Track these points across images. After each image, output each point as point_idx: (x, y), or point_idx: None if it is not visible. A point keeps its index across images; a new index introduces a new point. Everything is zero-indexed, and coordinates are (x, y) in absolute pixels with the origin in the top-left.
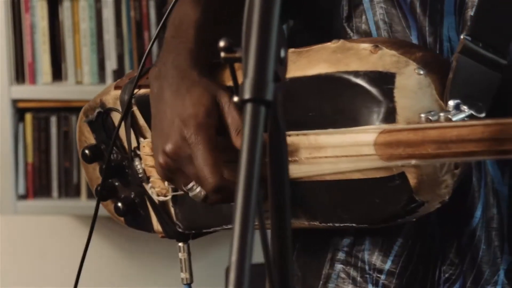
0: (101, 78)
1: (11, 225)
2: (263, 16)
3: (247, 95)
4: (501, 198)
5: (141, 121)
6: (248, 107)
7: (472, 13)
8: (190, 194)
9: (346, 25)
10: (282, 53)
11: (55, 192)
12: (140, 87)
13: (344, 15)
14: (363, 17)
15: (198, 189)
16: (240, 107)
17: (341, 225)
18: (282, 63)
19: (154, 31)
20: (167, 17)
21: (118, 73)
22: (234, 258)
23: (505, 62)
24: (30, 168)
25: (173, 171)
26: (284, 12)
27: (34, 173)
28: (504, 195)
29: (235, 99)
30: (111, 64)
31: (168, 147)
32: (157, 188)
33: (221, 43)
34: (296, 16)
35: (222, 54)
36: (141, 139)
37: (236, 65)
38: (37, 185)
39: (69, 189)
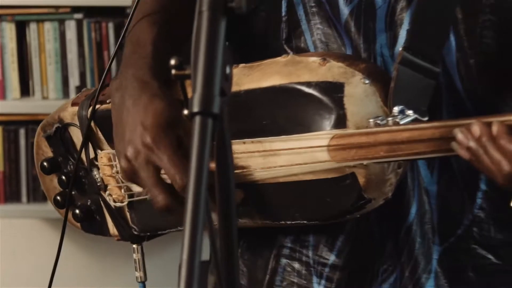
0: (65, 93)
1: None
2: (210, 36)
3: (195, 108)
4: (431, 195)
5: (99, 134)
6: (197, 120)
7: (403, 30)
8: (148, 197)
9: (286, 46)
10: (227, 70)
11: (24, 198)
12: (101, 103)
13: (284, 36)
14: (302, 37)
15: None
16: (189, 119)
17: (293, 222)
18: (227, 79)
19: (113, 51)
20: (124, 35)
21: (81, 89)
22: (185, 256)
23: (438, 70)
24: (1, 176)
25: (136, 174)
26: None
27: (5, 180)
28: (433, 193)
29: (185, 112)
30: (74, 81)
31: (129, 152)
32: (114, 195)
33: (172, 61)
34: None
35: (173, 71)
36: (99, 151)
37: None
38: (7, 191)
39: (37, 195)
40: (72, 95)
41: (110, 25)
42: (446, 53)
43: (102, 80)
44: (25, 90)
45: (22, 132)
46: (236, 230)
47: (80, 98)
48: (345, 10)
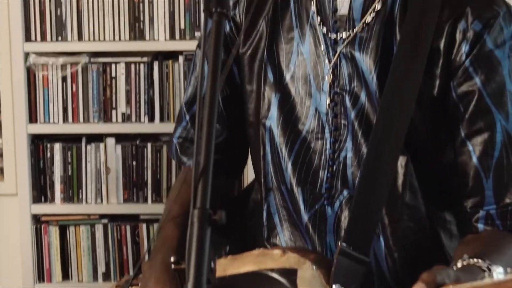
0: (95, 278)
1: None
2: (199, 241)
3: None
4: None
5: None
6: None
7: (344, 228)
8: None
9: (266, 243)
10: (212, 265)
11: None
12: (132, 285)
13: (265, 236)
14: (277, 237)
15: None
16: None
17: None
18: (212, 271)
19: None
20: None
21: (106, 275)
22: None
23: (368, 260)
24: None
25: None
26: (224, 240)
27: None
28: None
29: None
30: (101, 268)
31: None
32: None
33: (172, 259)
34: (229, 243)
35: (172, 266)
36: None
37: None
38: None
39: None
40: (100, 279)
41: (128, 228)
42: (377, 249)
43: (136, 269)
44: (66, 275)
45: None
46: None
47: (121, 282)
48: (305, 216)
